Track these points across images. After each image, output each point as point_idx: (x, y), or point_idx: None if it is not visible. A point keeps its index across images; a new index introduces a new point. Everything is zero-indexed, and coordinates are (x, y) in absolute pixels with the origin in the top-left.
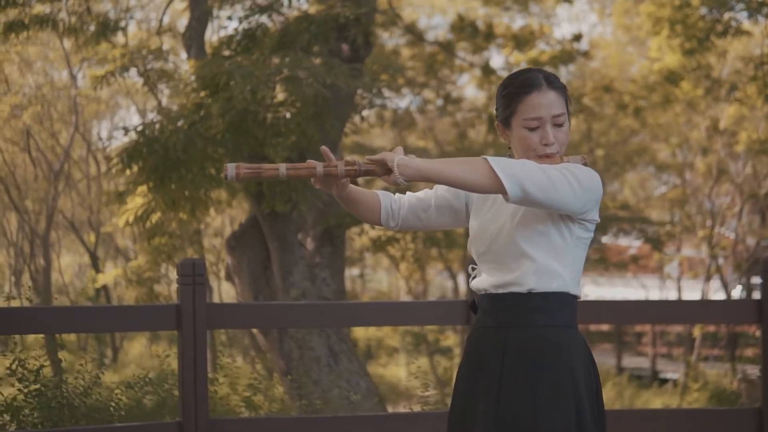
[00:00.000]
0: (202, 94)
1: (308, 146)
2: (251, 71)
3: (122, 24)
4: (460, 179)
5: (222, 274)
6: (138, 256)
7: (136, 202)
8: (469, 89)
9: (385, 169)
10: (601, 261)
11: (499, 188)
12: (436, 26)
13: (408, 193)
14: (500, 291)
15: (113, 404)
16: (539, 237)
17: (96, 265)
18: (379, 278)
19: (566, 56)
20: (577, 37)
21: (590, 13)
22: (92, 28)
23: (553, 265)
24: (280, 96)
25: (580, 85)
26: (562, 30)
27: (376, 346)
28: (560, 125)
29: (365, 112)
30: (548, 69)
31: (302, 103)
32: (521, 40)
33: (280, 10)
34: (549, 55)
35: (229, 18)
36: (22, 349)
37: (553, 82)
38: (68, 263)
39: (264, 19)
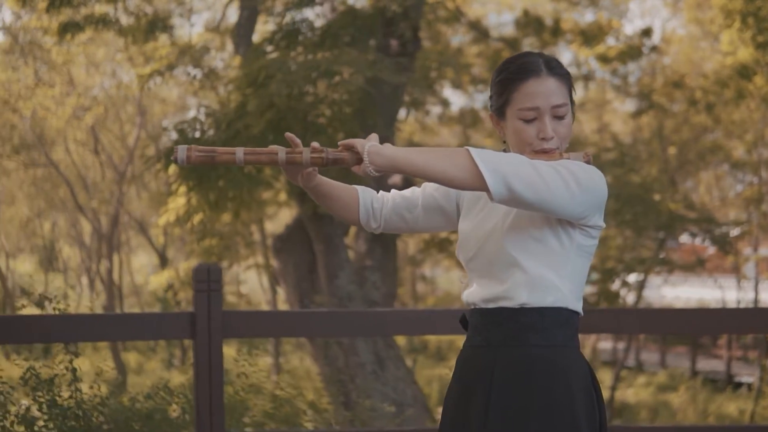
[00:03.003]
0: (246, 91)
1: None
2: (291, 68)
3: (173, 22)
4: (437, 172)
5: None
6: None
7: (178, 202)
8: None
9: (357, 158)
10: (665, 262)
11: (480, 184)
12: (506, 23)
13: (393, 191)
14: (490, 305)
15: (131, 415)
16: (534, 243)
17: (165, 265)
18: (451, 278)
19: (635, 52)
20: (647, 32)
21: (663, 8)
22: (146, 26)
23: (548, 277)
24: (322, 92)
25: (650, 81)
26: (635, 25)
27: (447, 348)
28: (561, 117)
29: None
30: (617, 65)
31: (343, 100)
32: (589, 36)
33: (323, 4)
34: (617, 50)
35: (272, 13)
36: (37, 357)
37: (554, 68)
38: (143, 264)
39: (309, 14)
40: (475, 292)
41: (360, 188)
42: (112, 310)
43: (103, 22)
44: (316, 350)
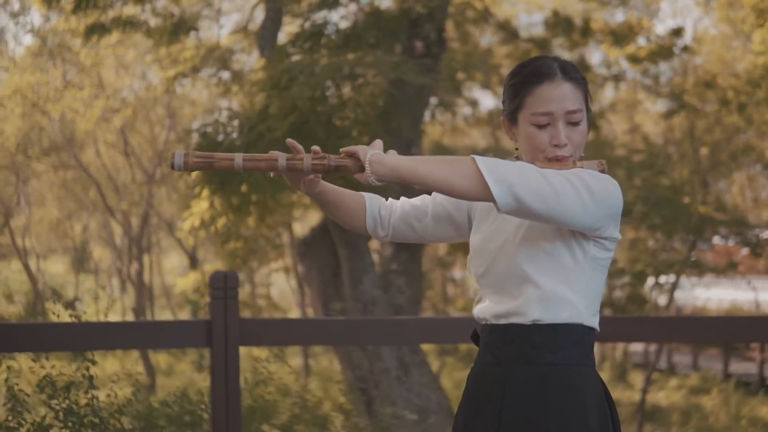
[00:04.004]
0: (267, 94)
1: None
2: (314, 70)
3: (199, 25)
4: (441, 182)
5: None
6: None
7: (201, 206)
8: None
9: (359, 165)
10: (696, 265)
11: (486, 194)
12: (536, 24)
13: (402, 198)
14: (501, 321)
15: (149, 423)
16: (546, 258)
17: (195, 267)
18: None
19: (665, 52)
20: (677, 32)
21: (694, 8)
22: (171, 28)
23: (562, 292)
24: (346, 95)
25: (682, 81)
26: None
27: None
28: (575, 124)
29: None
30: (647, 65)
31: (367, 102)
32: (619, 36)
33: (348, 5)
34: (647, 50)
35: (297, 15)
36: (53, 364)
37: (570, 72)
38: (174, 265)
39: (333, 16)
40: (486, 308)
41: (367, 195)
42: (141, 311)
43: (129, 23)
44: (340, 355)
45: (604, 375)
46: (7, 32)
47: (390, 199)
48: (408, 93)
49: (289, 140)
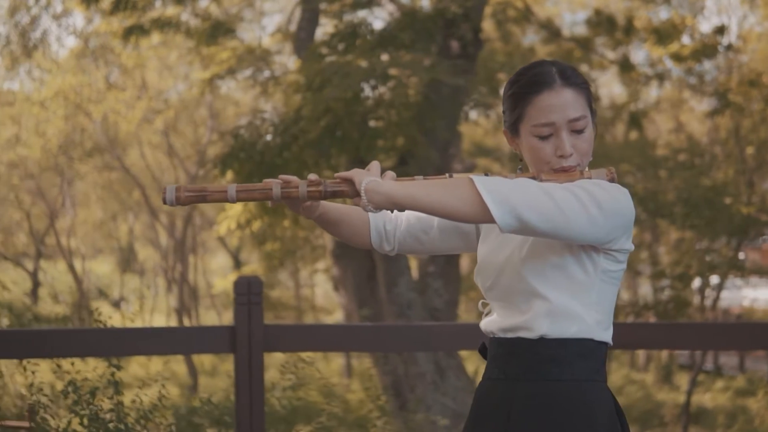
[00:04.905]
0: (302, 96)
1: (411, 149)
2: (347, 71)
3: (238, 26)
4: (440, 206)
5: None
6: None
7: (236, 209)
8: (613, 86)
9: (356, 190)
10: (739, 266)
11: (487, 217)
12: (579, 22)
13: (408, 211)
14: (508, 336)
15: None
16: (553, 271)
17: (238, 267)
18: None
19: (709, 50)
20: (721, 30)
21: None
22: (208, 30)
23: (571, 306)
24: (380, 96)
25: (726, 79)
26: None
27: None
28: (580, 131)
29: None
30: (691, 64)
31: (401, 104)
32: (663, 34)
33: (383, 5)
34: (690, 49)
35: (332, 16)
36: (78, 371)
37: (570, 77)
38: (220, 265)
39: (368, 16)
40: (494, 321)
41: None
42: (186, 311)
43: (168, 25)
44: (375, 359)
45: (649, 377)
46: (50, 34)
47: (395, 211)
48: (443, 94)
49: (282, 177)
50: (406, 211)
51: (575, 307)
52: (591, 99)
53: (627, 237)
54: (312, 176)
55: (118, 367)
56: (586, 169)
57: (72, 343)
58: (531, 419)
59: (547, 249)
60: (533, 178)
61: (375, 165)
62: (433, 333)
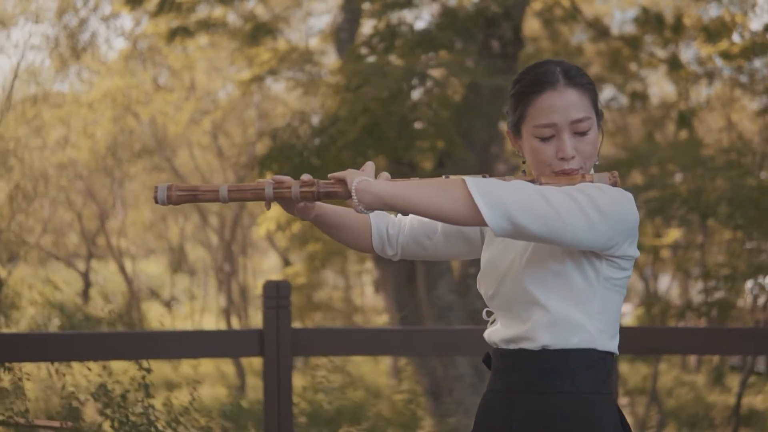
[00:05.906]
0: (344, 96)
1: (450, 151)
2: (385, 72)
3: (280, 27)
4: (431, 208)
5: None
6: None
7: (275, 210)
8: (663, 85)
9: (348, 191)
10: None
11: (479, 220)
12: (628, 21)
13: (411, 215)
14: (511, 347)
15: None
16: (554, 279)
17: (287, 267)
18: None
19: (759, 48)
20: None
21: None
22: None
23: (572, 315)
24: (419, 97)
25: None
26: (762, 20)
27: None
28: (583, 133)
29: None
30: (741, 62)
31: (440, 104)
32: (713, 32)
33: (424, 5)
34: (740, 47)
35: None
36: (111, 373)
37: (574, 77)
38: (272, 265)
39: (408, 16)
40: (496, 332)
41: (372, 213)
42: (236, 312)
43: (213, 26)
44: (414, 361)
45: (700, 378)
46: (98, 36)
47: (399, 215)
48: (482, 94)
49: (275, 176)
50: (410, 216)
51: (577, 316)
52: (597, 100)
53: (630, 243)
54: (305, 176)
55: (149, 371)
56: (591, 172)
57: (101, 347)
58: None
59: (548, 256)
60: (533, 181)
61: (369, 165)
62: (466, 337)
